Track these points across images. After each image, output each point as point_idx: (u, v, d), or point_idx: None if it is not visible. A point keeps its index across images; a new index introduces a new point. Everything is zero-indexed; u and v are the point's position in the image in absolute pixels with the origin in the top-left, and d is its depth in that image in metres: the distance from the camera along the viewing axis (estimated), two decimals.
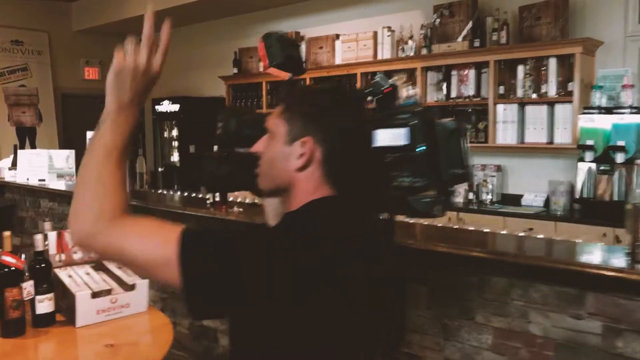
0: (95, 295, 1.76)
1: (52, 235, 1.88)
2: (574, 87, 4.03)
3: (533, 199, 4.42)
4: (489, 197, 4.55)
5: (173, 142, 6.87)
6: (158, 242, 0.95)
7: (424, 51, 4.88)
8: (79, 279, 1.84)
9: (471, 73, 4.67)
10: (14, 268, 1.67)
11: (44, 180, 4.40)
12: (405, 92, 1.17)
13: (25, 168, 4.45)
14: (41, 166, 4.38)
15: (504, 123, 4.46)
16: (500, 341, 2.03)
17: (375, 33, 5.23)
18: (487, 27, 4.55)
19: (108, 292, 1.79)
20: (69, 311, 1.77)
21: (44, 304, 1.74)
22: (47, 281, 1.75)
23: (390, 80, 1.15)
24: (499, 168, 4.68)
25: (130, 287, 1.83)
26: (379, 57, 5.19)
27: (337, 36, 5.58)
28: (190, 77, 7.21)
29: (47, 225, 1.84)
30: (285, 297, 0.92)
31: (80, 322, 1.74)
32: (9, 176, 4.66)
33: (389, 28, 5.14)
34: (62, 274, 1.84)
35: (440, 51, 4.75)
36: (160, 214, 3.38)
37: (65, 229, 1.94)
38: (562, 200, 4.11)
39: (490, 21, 4.54)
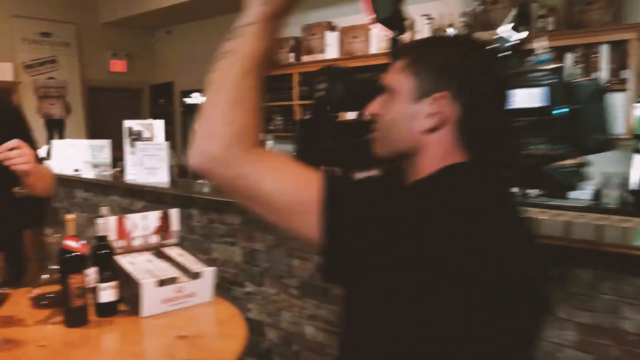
0: (160, 283, 1.65)
1: (112, 221, 1.77)
2: (628, 75, 3.86)
3: (581, 192, 4.25)
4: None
5: None
6: (300, 184, 0.82)
7: None
8: (141, 266, 1.74)
9: None
10: (77, 253, 1.56)
11: (78, 170, 4.33)
12: (539, 46, 1.04)
13: (60, 159, 4.39)
14: (76, 156, 4.31)
15: None
16: (586, 338, 1.89)
17: (414, 21, 5.08)
18: (533, 13, 4.38)
19: (173, 280, 1.68)
20: (133, 300, 1.66)
21: (108, 292, 1.63)
22: (110, 268, 1.65)
23: (518, 35, 1.03)
24: None
25: (195, 275, 1.72)
26: None
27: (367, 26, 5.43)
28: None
29: (105, 210, 1.74)
30: (439, 272, 0.79)
31: (146, 311, 1.63)
32: None
33: (428, 16, 4.99)
34: (124, 260, 1.74)
35: (483, 39, 4.58)
36: (204, 203, 3.29)
37: (122, 214, 1.84)
38: (614, 193, 3.94)
39: (536, 7, 4.37)
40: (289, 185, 0.83)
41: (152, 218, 1.89)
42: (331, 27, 5.89)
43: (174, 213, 1.94)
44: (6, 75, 6.83)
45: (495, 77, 0.94)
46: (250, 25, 0.89)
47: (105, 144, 4.37)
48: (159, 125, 3.92)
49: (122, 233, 1.81)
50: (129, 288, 1.67)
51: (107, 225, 1.73)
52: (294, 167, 0.86)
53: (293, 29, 6.22)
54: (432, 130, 0.92)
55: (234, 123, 0.83)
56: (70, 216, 1.57)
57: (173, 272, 1.74)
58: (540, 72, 0.96)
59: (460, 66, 0.92)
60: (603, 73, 4.04)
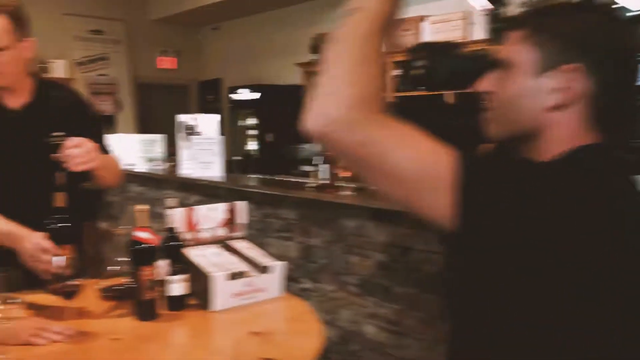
0: (231, 277, 1.60)
1: (180, 212, 1.73)
2: None
3: None
4: None
5: (248, 131, 6.77)
6: (431, 156, 0.74)
7: None
8: (209, 259, 1.69)
9: None
10: (148, 245, 1.53)
11: (133, 164, 4.36)
12: None
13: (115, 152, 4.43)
14: (131, 150, 4.34)
15: None
16: None
17: (468, 13, 4.93)
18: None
19: (243, 274, 1.63)
20: (202, 294, 1.62)
21: (178, 285, 1.59)
22: (181, 261, 1.61)
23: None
24: None
25: (264, 270, 1.67)
26: (473, 38, 4.89)
27: (422, 18, 5.30)
28: (266, 64, 7.10)
29: (173, 201, 1.70)
30: (587, 263, 0.70)
31: (217, 305, 1.58)
32: None
33: (485, 8, 4.82)
34: (192, 253, 1.70)
35: None
36: (258, 197, 3.24)
37: (188, 206, 1.79)
38: None
39: None
40: (419, 157, 0.74)
41: (220, 210, 1.84)
42: None
43: (242, 206, 1.88)
44: (60, 72, 6.98)
45: (632, 49, 0.84)
46: None
47: (158, 139, 4.39)
48: (211, 120, 3.90)
49: (190, 225, 1.77)
50: (199, 281, 1.62)
51: (176, 217, 1.69)
52: (423, 138, 0.77)
53: None
54: (559, 107, 0.82)
55: (359, 83, 0.75)
56: (141, 207, 1.53)
57: (242, 265, 1.68)
58: None
59: (597, 35, 0.82)
60: None
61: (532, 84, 0.84)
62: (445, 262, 0.87)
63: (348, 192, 2.69)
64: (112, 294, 1.66)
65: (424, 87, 1.01)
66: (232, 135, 7.16)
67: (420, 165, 0.73)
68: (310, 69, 6.35)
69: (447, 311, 0.90)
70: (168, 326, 1.51)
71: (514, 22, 0.89)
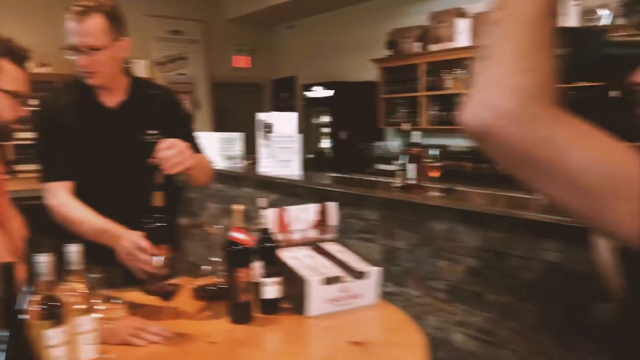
0: (326, 281, 1.53)
1: (273, 213, 1.68)
2: None
3: None
4: None
5: (321, 129, 6.73)
6: (619, 158, 0.63)
7: (620, 21, 4.23)
8: (302, 261, 1.63)
9: None
10: (244, 246, 1.48)
11: (212, 162, 4.41)
12: None
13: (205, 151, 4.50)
14: (210, 148, 4.39)
15: None
16: None
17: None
18: None
19: (338, 279, 1.56)
20: (296, 298, 1.56)
21: (272, 289, 1.54)
22: (274, 263, 1.56)
23: None
24: None
25: (360, 275, 1.59)
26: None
27: None
28: (340, 61, 7.03)
29: (263, 201, 1.65)
30: None
31: (312, 311, 1.52)
32: None
33: None
34: (285, 255, 1.64)
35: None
36: (338, 196, 3.17)
37: (280, 207, 1.74)
38: None
39: None
40: (607, 160, 0.63)
41: (311, 211, 1.78)
42: (461, 14, 5.57)
43: (332, 207, 1.82)
44: (141, 72, 7.21)
45: None
46: None
47: (236, 137, 4.42)
48: (289, 118, 3.87)
49: (282, 226, 1.71)
50: (293, 285, 1.57)
51: (269, 217, 1.64)
52: (606, 137, 0.65)
53: (419, 17, 5.97)
54: None
55: (534, 71, 0.64)
56: (237, 207, 1.49)
57: (336, 270, 1.61)
58: None
59: None
60: None
61: None
62: (630, 283, 0.75)
63: (437, 193, 2.56)
64: (205, 294, 1.64)
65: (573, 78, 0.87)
66: (305, 133, 7.14)
67: (608, 170, 0.61)
68: (385, 65, 6.22)
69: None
70: (262, 330, 1.46)
71: None
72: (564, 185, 0.64)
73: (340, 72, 6.89)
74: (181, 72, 7.70)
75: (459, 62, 5.49)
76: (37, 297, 1.05)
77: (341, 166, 5.76)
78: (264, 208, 1.63)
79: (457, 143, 5.44)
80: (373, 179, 3.85)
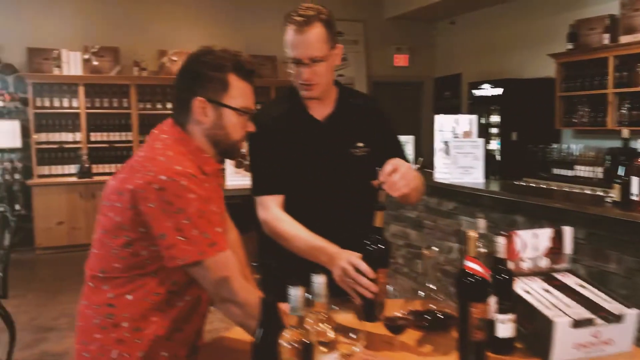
0: (576, 324, 1.31)
1: (500, 239, 1.48)
2: None
3: None
4: None
5: (490, 129, 6.32)
6: None
7: None
8: (539, 296, 1.42)
9: None
10: (481, 278, 1.31)
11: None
12: None
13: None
14: None
15: None
16: None
17: None
18: None
19: (590, 322, 1.32)
20: (535, 339, 1.36)
21: (507, 326, 1.35)
22: (510, 297, 1.37)
23: None
24: None
25: (617, 318, 1.34)
26: None
27: None
28: (511, 57, 6.56)
29: (482, 222, 1.47)
30: None
31: (556, 356, 1.31)
32: None
33: None
34: (517, 288, 1.45)
35: None
36: (531, 209, 2.88)
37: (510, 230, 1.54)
38: None
39: None
40: None
41: (543, 237, 1.55)
42: None
43: (568, 232, 1.57)
44: None
45: None
46: None
47: (409, 140, 4.26)
48: (471, 121, 3.62)
49: (511, 253, 1.51)
50: (531, 324, 1.36)
51: (501, 244, 1.45)
52: None
53: (609, 5, 5.33)
54: None
55: None
56: (472, 233, 1.32)
57: (582, 310, 1.38)
58: None
59: None
60: None
61: None
62: None
63: None
64: (422, 322, 1.49)
65: None
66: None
67: None
68: (566, 59, 5.66)
69: None
70: None
71: None
72: None
73: (511, 69, 6.43)
74: (341, 73, 7.74)
75: None
76: (290, 335, 0.97)
77: (511, 169, 5.35)
78: (479, 230, 1.45)
79: None
80: (566, 188, 3.48)
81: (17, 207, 6.19)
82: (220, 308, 1.32)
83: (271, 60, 7.29)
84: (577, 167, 5.28)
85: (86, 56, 6.53)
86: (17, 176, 6.29)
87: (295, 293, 0.99)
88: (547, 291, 1.46)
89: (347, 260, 1.46)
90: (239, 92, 1.40)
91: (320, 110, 1.77)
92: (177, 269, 1.27)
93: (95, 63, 6.57)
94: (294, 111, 1.76)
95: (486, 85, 6.30)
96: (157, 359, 1.31)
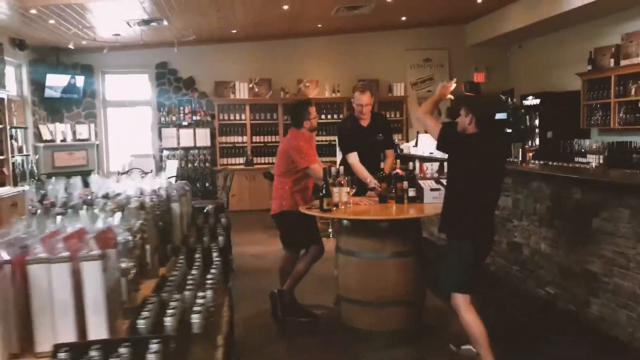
0: (431, 190, 3.87)
1: (415, 164, 4.09)
2: None
3: None
4: None
5: (535, 130, 8.45)
6: (434, 126, 2.99)
7: None
8: (425, 183, 3.98)
9: None
10: (400, 175, 3.94)
11: None
12: None
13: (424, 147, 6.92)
14: None
15: None
16: None
17: None
18: None
19: (439, 189, 3.87)
20: (419, 195, 3.93)
21: (412, 192, 3.95)
22: (415, 184, 3.96)
23: None
24: None
25: (441, 186, 3.87)
26: None
27: None
28: (549, 75, 8.64)
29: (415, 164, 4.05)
30: None
31: (426, 200, 3.88)
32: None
33: None
34: (419, 181, 4.01)
35: None
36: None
37: None
38: None
39: None
40: (434, 126, 2.99)
41: (434, 166, 4.11)
42: None
43: (435, 164, 4.11)
44: (399, 91, 9.99)
45: None
46: None
47: None
48: None
49: (421, 170, 4.11)
50: (420, 192, 3.96)
51: (417, 167, 4.06)
52: (435, 122, 3.04)
53: (614, 37, 7.30)
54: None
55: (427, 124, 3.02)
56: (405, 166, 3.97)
57: (438, 185, 3.92)
58: None
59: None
60: None
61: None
62: None
63: None
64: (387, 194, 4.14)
65: None
66: (525, 132, 8.92)
67: (432, 130, 2.95)
68: (587, 77, 7.67)
69: None
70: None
71: None
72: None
73: (550, 84, 8.52)
74: (430, 89, 10.23)
75: None
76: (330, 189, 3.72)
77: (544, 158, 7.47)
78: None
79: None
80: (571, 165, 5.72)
81: (207, 184, 9.56)
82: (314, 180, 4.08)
83: (375, 82, 9.99)
84: (589, 156, 7.29)
85: (250, 85, 9.78)
86: (207, 164, 9.66)
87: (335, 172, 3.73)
88: (431, 181, 4.02)
89: (372, 179, 4.14)
90: (313, 114, 4.17)
91: (364, 123, 4.48)
92: (301, 169, 4.05)
93: (256, 90, 9.80)
94: (354, 122, 4.49)
95: (530, 97, 8.45)
96: (295, 198, 4.11)
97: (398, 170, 3.95)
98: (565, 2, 7.17)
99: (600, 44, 7.55)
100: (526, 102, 8.61)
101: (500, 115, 3.03)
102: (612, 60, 7.29)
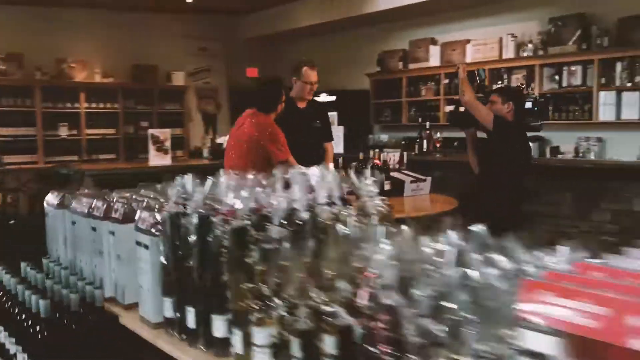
0: (411, 182, 3.59)
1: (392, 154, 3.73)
2: None
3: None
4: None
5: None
6: (483, 109, 2.80)
7: (541, 52, 6.48)
8: (401, 173, 3.67)
9: (579, 68, 6.23)
10: (377, 165, 3.53)
11: None
12: None
13: None
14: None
15: (604, 105, 6.00)
16: None
17: (501, 38, 6.87)
18: (593, 33, 6.10)
19: (417, 181, 3.61)
20: (397, 188, 3.61)
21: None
22: (389, 177, 3.60)
23: None
24: (599, 139, 6.20)
25: (422, 179, 3.65)
26: (504, 57, 6.84)
27: (468, 41, 7.25)
28: (342, 74, 9.11)
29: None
30: None
31: (405, 194, 3.57)
32: None
33: (513, 34, 6.76)
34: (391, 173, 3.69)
35: (554, 52, 6.34)
36: None
37: None
38: None
39: (595, 29, 6.08)
40: (482, 110, 2.80)
41: (395, 155, 3.84)
42: (434, 42, 7.74)
43: (405, 154, 3.88)
44: (179, 81, 9.06)
45: None
46: None
47: None
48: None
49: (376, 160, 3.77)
50: (396, 182, 3.63)
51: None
52: (482, 106, 2.83)
53: (402, 42, 8.10)
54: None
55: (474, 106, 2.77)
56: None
57: (417, 177, 3.67)
58: None
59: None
60: None
61: None
62: None
63: None
64: None
65: None
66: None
67: (481, 113, 2.77)
68: (376, 78, 8.32)
69: None
70: None
71: None
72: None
73: (341, 82, 8.97)
74: (207, 80, 9.58)
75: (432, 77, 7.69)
76: None
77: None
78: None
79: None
80: None
81: None
82: None
83: (153, 68, 8.82)
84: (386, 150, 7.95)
85: None
86: None
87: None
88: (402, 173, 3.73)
89: None
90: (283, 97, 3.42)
91: (302, 104, 3.83)
92: (278, 163, 3.25)
93: (1, 67, 7.50)
94: (290, 104, 3.79)
95: (323, 94, 8.72)
96: None
97: (376, 161, 3.54)
98: (353, 8, 7.71)
99: (389, 47, 8.29)
100: (318, 99, 8.82)
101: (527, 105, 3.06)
102: (400, 63, 8.09)
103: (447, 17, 7.57)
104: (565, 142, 6.43)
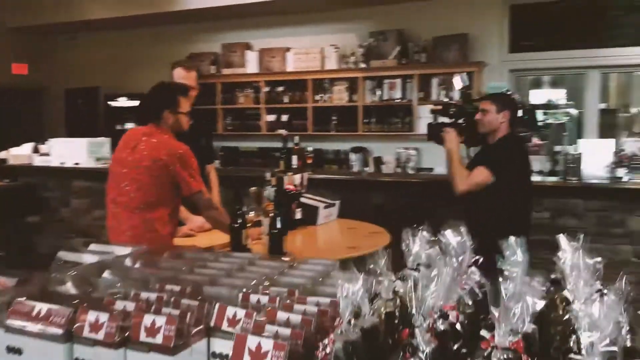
0: (325, 207, 3.16)
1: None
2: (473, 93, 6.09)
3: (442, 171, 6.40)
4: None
5: None
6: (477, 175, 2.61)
7: (363, 65, 6.61)
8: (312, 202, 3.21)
9: (399, 82, 6.52)
10: (291, 192, 3.01)
11: (78, 163, 5.20)
12: None
13: (59, 153, 5.20)
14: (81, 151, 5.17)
15: (423, 118, 6.38)
16: None
17: (322, 49, 6.82)
18: (410, 50, 6.44)
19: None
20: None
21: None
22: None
23: None
24: (417, 149, 6.58)
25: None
26: (326, 67, 6.80)
27: (288, 49, 7.03)
28: (144, 75, 7.98)
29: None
30: None
31: (319, 222, 3.13)
32: (39, 161, 5.32)
33: (335, 46, 6.76)
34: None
35: (376, 65, 6.51)
36: None
37: None
38: None
39: (412, 46, 6.43)
40: (471, 178, 2.61)
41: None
42: (249, 47, 7.32)
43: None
44: None
45: None
46: None
47: (105, 142, 5.31)
48: None
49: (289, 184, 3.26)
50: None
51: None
52: (465, 171, 2.63)
53: (213, 45, 7.49)
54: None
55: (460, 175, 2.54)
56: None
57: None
58: None
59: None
60: (456, 93, 6.23)
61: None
62: None
63: None
64: None
65: None
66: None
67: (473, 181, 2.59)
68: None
69: None
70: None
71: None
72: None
73: (144, 84, 7.87)
74: None
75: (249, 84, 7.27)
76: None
77: None
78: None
79: (246, 145, 7.25)
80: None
81: None
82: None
83: None
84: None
85: None
86: None
87: None
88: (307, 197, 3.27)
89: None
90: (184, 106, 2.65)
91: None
92: (189, 195, 2.51)
93: None
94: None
95: (122, 98, 7.58)
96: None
97: (289, 186, 3.01)
98: (159, 3, 6.94)
99: (198, 49, 7.57)
100: (115, 104, 7.64)
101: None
102: (212, 67, 7.47)
103: (263, 22, 7.24)
104: (387, 153, 6.67)
